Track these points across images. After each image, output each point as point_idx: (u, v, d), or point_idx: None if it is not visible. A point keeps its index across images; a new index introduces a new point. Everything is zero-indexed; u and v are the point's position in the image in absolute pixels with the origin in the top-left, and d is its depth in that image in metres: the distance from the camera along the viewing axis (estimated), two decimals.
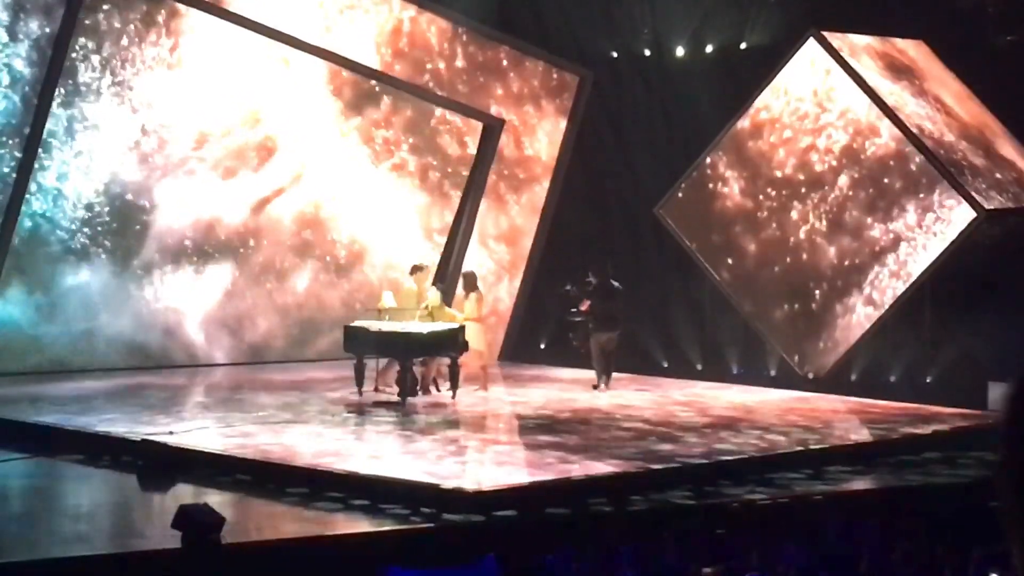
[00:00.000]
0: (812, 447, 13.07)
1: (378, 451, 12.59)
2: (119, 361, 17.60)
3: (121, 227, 17.78)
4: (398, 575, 8.80)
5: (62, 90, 17.14)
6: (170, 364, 17.88)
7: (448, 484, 10.97)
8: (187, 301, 18.22)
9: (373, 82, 19.06)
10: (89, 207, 17.55)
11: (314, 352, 18.86)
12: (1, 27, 16.89)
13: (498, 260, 20.26)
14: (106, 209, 17.63)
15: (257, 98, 18.44)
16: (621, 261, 18.60)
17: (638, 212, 18.93)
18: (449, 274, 19.51)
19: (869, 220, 16.95)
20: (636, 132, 19.57)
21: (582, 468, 11.70)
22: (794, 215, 17.49)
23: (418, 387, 15.82)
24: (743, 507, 11.04)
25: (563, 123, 20.03)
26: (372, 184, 19.43)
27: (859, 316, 17.01)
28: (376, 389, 15.75)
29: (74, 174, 17.40)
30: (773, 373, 17.69)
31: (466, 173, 19.83)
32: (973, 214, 16.02)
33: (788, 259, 17.51)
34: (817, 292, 17.31)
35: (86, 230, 17.59)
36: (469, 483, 11.19)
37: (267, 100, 18.51)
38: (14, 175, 16.90)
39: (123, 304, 17.74)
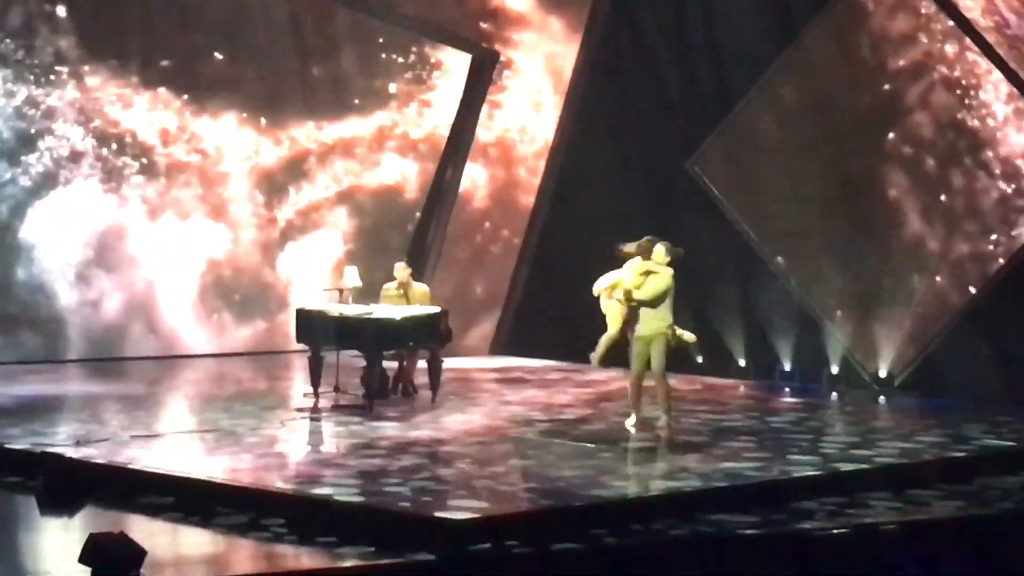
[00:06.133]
0: (875, 465, 13.10)
1: (337, 468, 12.60)
2: None
3: None
4: None
5: None
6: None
7: (435, 512, 10.99)
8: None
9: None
10: None
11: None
12: None
13: (490, 226, 20.32)
14: None
15: None
16: (647, 228, 18.56)
17: (668, 167, 18.91)
18: (428, 245, 19.57)
19: (954, 180, 16.94)
20: (666, 66, 19.45)
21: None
22: (858, 174, 17.48)
23: (390, 386, 15.85)
24: (782, 539, 11.09)
25: (572, 54, 20.01)
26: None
27: (943, 301, 17.01)
28: (336, 389, 15.77)
29: None
30: (835, 371, 17.73)
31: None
32: None
33: (852, 228, 17.51)
34: (889, 271, 17.31)
35: None
36: (453, 511, 11.20)
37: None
38: None
39: None
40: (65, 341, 18.71)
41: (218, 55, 19.02)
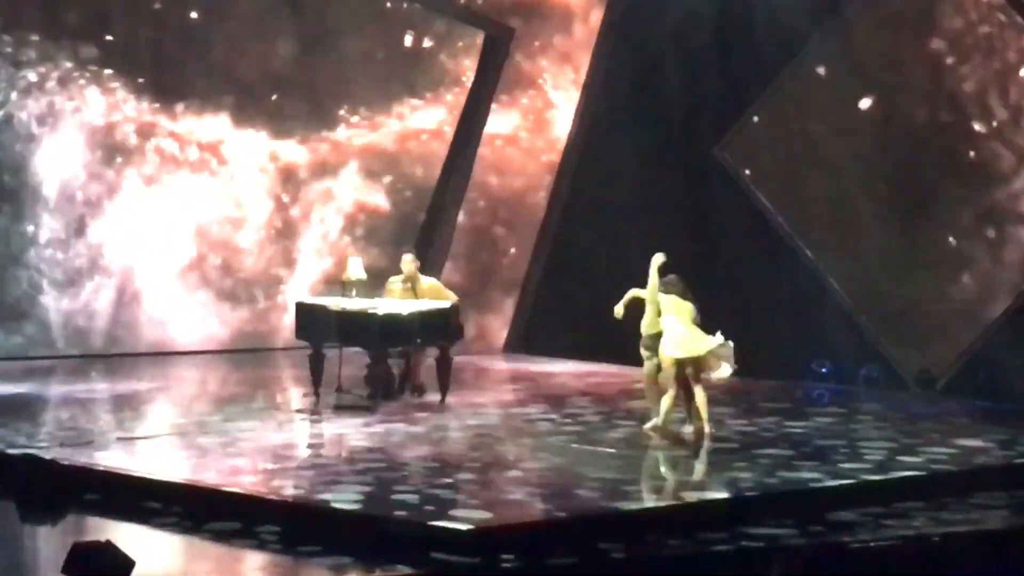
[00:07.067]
0: (918, 473, 13.02)
1: (337, 473, 12.54)
2: None
3: None
4: None
5: None
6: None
7: (437, 522, 10.91)
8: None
9: None
10: None
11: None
12: None
13: (503, 217, 20.26)
14: None
15: None
16: (672, 217, 18.48)
17: (695, 152, 18.81)
18: (438, 236, 19.54)
19: (1005, 168, 16.83)
20: (694, 42, 19.26)
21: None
22: (900, 159, 17.38)
23: (396, 386, 15.77)
24: (819, 552, 11.04)
25: (593, 32, 19.93)
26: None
27: (989, 298, 16.91)
28: (339, 389, 15.70)
29: None
30: (872, 372, 17.63)
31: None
32: None
33: (893, 218, 17.41)
34: (932, 264, 17.22)
35: None
36: (463, 520, 11.13)
37: None
38: None
39: None
40: (52, 337, 18.71)
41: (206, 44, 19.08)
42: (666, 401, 13.83)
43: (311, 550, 10.65)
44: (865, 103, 17.60)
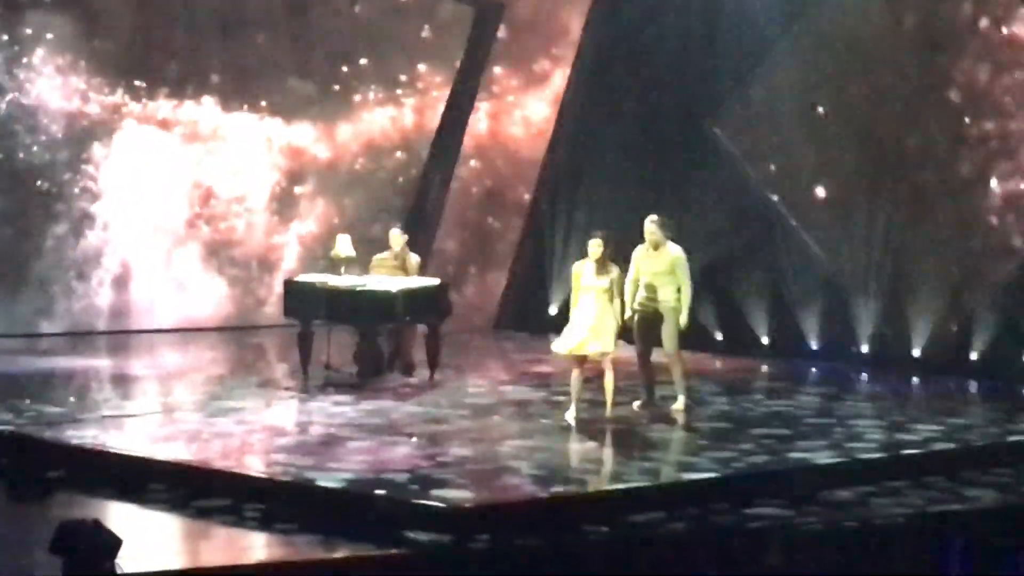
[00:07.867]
0: (910, 451, 13.09)
1: (324, 451, 12.59)
2: None
3: None
4: None
5: None
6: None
7: (420, 500, 10.98)
8: None
9: None
10: None
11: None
12: None
13: (493, 189, 20.30)
14: None
15: None
16: (662, 193, 18.51)
17: (686, 126, 18.79)
18: (427, 209, 19.57)
19: (1005, 142, 16.83)
20: (686, 13, 19.21)
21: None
22: (895, 134, 17.38)
23: (385, 364, 15.82)
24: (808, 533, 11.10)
25: (585, 3, 19.93)
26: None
27: (986, 269, 16.92)
28: (327, 367, 15.74)
29: None
30: (866, 350, 17.66)
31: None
32: None
33: (888, 193, 17.42)
34: (928, 241, 17.23)
35: None
36: (448, 499, 11.19)
37: None
38: None
39: None
40: (46, 314, 18.76)
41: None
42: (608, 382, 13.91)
43: (291, 528, 10.73)
44: (860, 78, 17.58)
